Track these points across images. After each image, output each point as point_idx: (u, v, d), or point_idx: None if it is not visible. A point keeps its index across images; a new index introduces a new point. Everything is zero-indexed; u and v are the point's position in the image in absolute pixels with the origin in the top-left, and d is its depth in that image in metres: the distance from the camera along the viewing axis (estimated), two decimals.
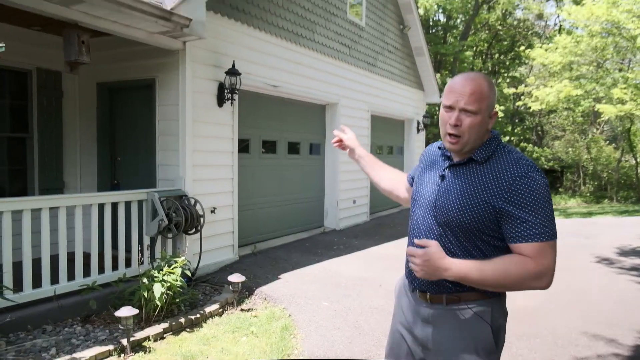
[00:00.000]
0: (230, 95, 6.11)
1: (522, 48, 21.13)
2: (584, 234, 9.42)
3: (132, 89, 6.14)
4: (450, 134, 1.76)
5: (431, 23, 23.95)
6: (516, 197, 1.63)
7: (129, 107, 6.25)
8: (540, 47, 16.23)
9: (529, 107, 17.87)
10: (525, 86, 18.54)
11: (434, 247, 1.70)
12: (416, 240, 1.80)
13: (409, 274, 1.91)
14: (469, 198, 1.71)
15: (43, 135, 6.10)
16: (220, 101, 6.09)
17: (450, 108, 1.75)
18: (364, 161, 2.42)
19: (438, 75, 17.53)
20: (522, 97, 19.31)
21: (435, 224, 1.80)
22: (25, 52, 5.69)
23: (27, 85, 5.98)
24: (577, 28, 16.76)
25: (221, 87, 6.07)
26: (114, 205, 4.98)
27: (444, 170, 1.85)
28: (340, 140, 2.46)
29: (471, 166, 1.77)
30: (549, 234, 1.63)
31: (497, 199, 1.66)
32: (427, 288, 1.83)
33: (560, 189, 23.56)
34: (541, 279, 1.63)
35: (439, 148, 1.96)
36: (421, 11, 18.84)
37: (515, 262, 1.64)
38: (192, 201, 5.52)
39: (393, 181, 2.34)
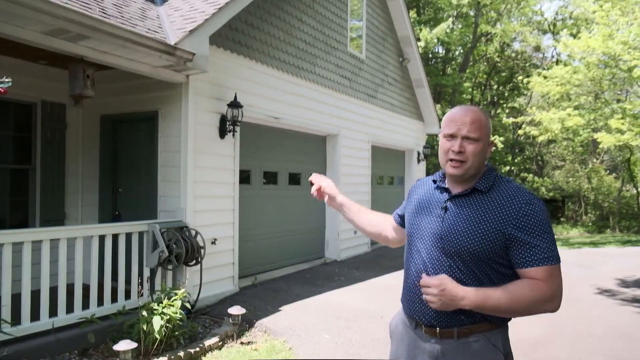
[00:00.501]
0: (232, 127, 6.18)
1: (520, 78, 21.42)
2: (587, 265, 9.35)
3: (135, 120, 6.21)
4: (453, 160, 1.82)
5: (430, 55, 24.34)
6: (524, 223, 1.70)
7: (131, 139, 6.31)
8: (539, 74, 16.46)
9: (531, 136, 18.00)
10: (526, 116, 18.71)
11: (446, 277, 1.74)
12: (424, 277, 1.80)
13: (414, 309, 1.88)
14: (480, 226, 1.75)
15: (46, 166, 6.15)
16: (222, 133, 6.15)
17: (452, 136, 1.83)
18: (346, 208, 2.35)
19: (438, 106, 17.71)
20: (523, 126, 19.48)
21: (443, 255, 1.81)
22: (31, 85, 5.79)
23: (32, 118, 6.07)
24: (574, 60, 17.01)
25: (223, 119, 6.14)
26: (115, 237, 4.98)
27: (445, 202, 1.87)
28: (319, 188, 2.35)
29: (475, 196, 1.82)
30: (556, 258, 1.71)
31: (507, 226, 1.71)
32: (437, 322, 1.80)
33: (562, 219, 23.51)
34: (553, 301, 1.70)
35: (434, 181, 1.99)
36: (422, 44, 19.16)
37: (528, 286, 1.69)
38: (193, 232, 5.52)
39: (379, 223, 2.32)
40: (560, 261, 1.73)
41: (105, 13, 4.77)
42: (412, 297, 1.89)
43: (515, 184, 1.84)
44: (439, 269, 1.80)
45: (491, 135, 1.89)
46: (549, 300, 1.70)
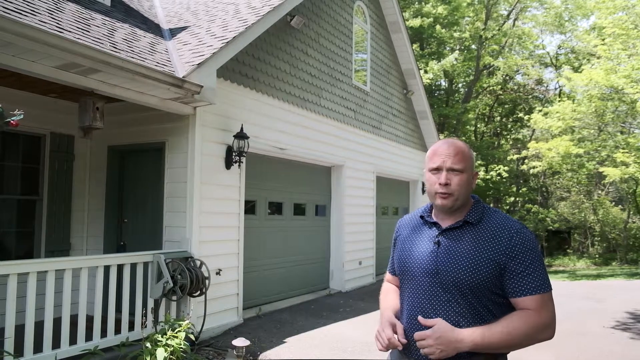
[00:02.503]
0: (238, 158, 6.24)
1: (521, 115, 21.60)
2: (595, 298, 9.22)
3: (143, 152, 6.29)
4: (440, 192, 1.84)
5: (433, 87, 24.64)
6: (516, 253, 1.74)
7: (138, 170, 6.38)
8: (540, 111, 16.59)
9: (532, 168, 18.05)
10: (527, 150, 18.80)
11: (440, 323, 1.73)
12: (420, 319, 1.79)
13: (410, 349, 1.85)
14: (475, 258, 1.77)
15: (53, 197, 6.20)
16: (228, 164, 6.20)
17: (437, 170, 1.87)
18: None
19: (442, 136, 17.82)
20: (526, 161, 19.55)
21: (440, 290, 1.80)
22: (41, 117, 5.89)
23: (41, 149, 6.15)
24: (577, 94, 17.19)
25: (229, 150, 6.21)
26: (120, 267, 4.98)
27: (437, 236, 1.88)
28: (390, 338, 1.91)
29: (466, 229, 1.84)
30: (547, 286, 1.74)
31: (500, 255, 1.75)
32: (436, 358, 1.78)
33: (568, 250, 23.28)
34: (547, 330, 1.72)
35: (422, 217, 2.00)
36: (429, 75, 19.44)
37: (522, 319, 1.70)
38: (198, 263, 5.51)
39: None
40: (551, 289, 1.76)
41: (115, 47, 4.89)
42: (409, 333, 1.85)
43: (504, 214, 1.88)
44: (437, 304, 1.79)
45: (474, 167, 1.93)
46: (544, 329, 1.72)
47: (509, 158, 22.32)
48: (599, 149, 15.53)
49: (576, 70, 16.47)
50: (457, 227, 1.85)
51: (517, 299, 1.73)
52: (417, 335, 1.75)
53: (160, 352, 4.16)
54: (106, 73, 4.44)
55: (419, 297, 1.85)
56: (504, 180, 22.26)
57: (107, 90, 4.72)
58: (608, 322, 7.13)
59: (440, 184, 1.84)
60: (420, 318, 1.80)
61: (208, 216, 5.91)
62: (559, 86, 25.37)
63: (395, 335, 1.84)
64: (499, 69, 23.77)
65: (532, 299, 1.71)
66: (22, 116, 3.35)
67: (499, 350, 1.74)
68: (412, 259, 1.91)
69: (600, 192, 23.05)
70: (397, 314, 2.01)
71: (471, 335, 1.70)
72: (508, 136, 26.47)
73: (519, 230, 1.78)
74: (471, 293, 1.75)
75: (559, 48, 26.34)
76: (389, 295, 2.14)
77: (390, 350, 2.02)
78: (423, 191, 12.96)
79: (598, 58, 14.94)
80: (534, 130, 24.18)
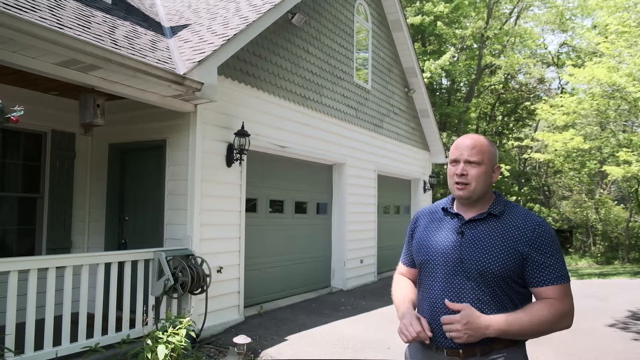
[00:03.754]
0: (239, 155, 6.23)
1: (528, 104, 21.54)
2: (597, 296, 9.19)
3: (143, 149, 6.28)
4: (458, 183, 1.91)
5: (435, 86, 24.60)
6: (539, 244, 1.81)
7: (139, 167, 6.37)
8: (545, 102, 16.58)
9: (537, 165, 18.03)
10: (530, 139, 18.77)
11: (468, 308, 1.78)
12: (447, 303, 1.83)
13: (434, 335, 1.87)
14: (500, 248, 1.83)
15: (54, 195, 6.20)
16: (229, 161, 6.20)
17: (455, 162, 1.95)
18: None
19: (443, 134, 17.80)
20: (528, 151, 19.56)
21: (464, 279, 1.85)
22: (41, 115, 5.89)
23: (42, 147, 6.15)
24: (578, 93, 17.16)
25: (230, 147, 6.20)
26: (121, 265, 4.98)
27: (460, 226, 1.93)
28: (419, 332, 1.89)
29: (490, 220, 1.91)
30: (567, 277, 1.83)
31: (523, 246, 1.81)
32: (459, 344, 1.82)
33: (570, 250, 23.23)
34: (567, 318, 1.81)
35: (443, 209, 2.05)
36: (427, 74, 19.40)
37: (546, 307, 1.77)
38: (199, 260, 5.50)
39: (411, 296, 2.12)
40: (570, 280, 1.84)
41: (116, 44, 4.89)
42: (432, 324, 1.88)
43: (524, 209, 1.97)
44: (461, 293, 1.85)
45: (496, 161, 1.98)
46: (565, 317, 1.80)
47: (509, 150, 22.27)
48: (602, 146, 15.49)
49: (579, 67, 16.38)
50: (481, 218, 1.92)
51: (539, 289, 1.81)
52: (445, 319, 1.80)
53: (161, 349, 4.15)
54: (107, 70, 4.43)
55: (441, 286, 1.90)
56: (506, 179, 22.21)
57: (107, 88, 4.72)
58: (610, 321, 7.10)
59: (457, 174, 1.92)
60: (447, 302, 1.84)
61: (209, 214, 5.90)
62: (561, 85, 25.34)
63: (422, 329, 1.83)
64: (501, 68, 23.70)
65: (554, 288, 1.79)
66: (22, 112, 3.34)
67: (522, 337, 1.81)
68: (434, 248, 1.96)
69: (602, 191, 22.98)
70: (414, 305, 2.05)
71: (498, 322, 1.75)
72: (510, 135, 26.41)
73: (541, 223, 1.85)
74: (495, 282, 1.81)
75: (560, 46, 26.29)
76: (404, 288, 2.16)
77: (407, 345, 2.06)
78: (424, 190, 12.95)
79: (600, 56, 14.90)
80: (536, 129, 24.15)
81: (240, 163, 6.34)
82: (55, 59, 4.16)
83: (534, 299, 1.88)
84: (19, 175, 6.02)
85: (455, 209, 2.01)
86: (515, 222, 1.87)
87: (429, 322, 1.89)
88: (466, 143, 1.94)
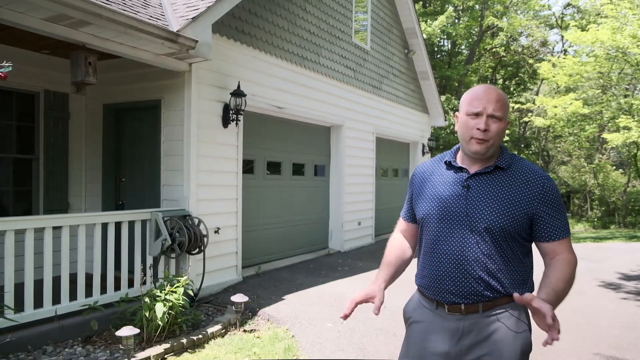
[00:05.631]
0: (235, 116, 6.15)
1: (531, 61, 21.24)
2: (592, 259, 9.28)
3: (138, 110, 6.20)
4: (478, 138, 1.82)
5: (436, 49, 24.19)
6: (547, 199, 1.80)
7: (135, 128, 6.30)
8: (548, 61, 16.37)
9: (537, 130, 17.95)
10: (530, 102, 18.62)
11: (541, 300, 1.61)
12: (516, 296, 1.61)
13: (437, 290, 1.86)
14: (508, 202, 1.79)
15: (49, 156, 6.15)
16: (225, 122, 6.12)
17: (477, 115, 1.83)
18: (391, 278, 2.09)
19: (443, 97, 17.61)
20: (528, 115, 19.43)
21: (469, 232, 1.82)
22: (33, 74, 5.78)
23: (35, 107, 6.06)
24: (581, 55, 16.87)
25: (226, 108, 6.11)
26: (118, 225, 4.97)
27: (466, 180, 1.87)
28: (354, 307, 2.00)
29: (497, 173, 1.86)
30: (569, 230, 1.85)
31: (532, 200, 1.79)
32: (461, 300, 1.82)
33: (567, 214, 23.35)
34: (576, 266, 1.81)
35: (447, 163, 1.98)
36: (424, 36, 19.04)
37: (564, 264, 1.78)
38: (196, 221, 5.51)
39: (403, 254, 2.12)
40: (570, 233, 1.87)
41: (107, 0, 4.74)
42: (435, 279, 1.88)
43: (530, 162, 1.92)
44: (465, 247, 1.81)
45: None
46: (576, 267, 1.80)
47: (511, 116, 22.10)
48: (602, 111, 15.36)
49: (583, 29, 16.07)
50: (488, 172, 1.86)
51: (547, 243, 1.81)
52: (550, 322, 1.56)
53: (159, 307, 4.19)
54: (97, 26, 4.31)
55: (445, 239, 1.86)
56: (506, 144, 22.13)
57: (99, 45, 4.60)
58: (603, 282, 7.19)
59: (479, 129, 1.81)
60: (516, 295, 1.61)
61: (206, 175, 5.87)
62: (564, 47, 24.93)
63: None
64: (503, 30, 23.25)
65: (561, 242, 1.80)
66: (10, 68, 3.25)
67: (562, 300, 1.75)
68: (437, 202, 1.91)
69: (601, 156, 22.95)
70: (403, 259, 2.09)
71: (551, 299, 1.65)
72: (510, 99, 26.17)
73: (548, 178, 1.83)
74: (501, 236, 1.78)
75: (565, 8, 25.74)
76: (394, 248, 2.14)
77: (407, 302, 2.07)
78: (423, 153, 12.90)
79: (605, 17, 14.58)
80: (537, 93, 23.90)
81: (236, 124, 6.26)
82: (44, 14, 4.03)
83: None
84: (13, 136, 5.95)
85: (459, 162, 1.93)
86: (523, 176, 1.83)
87: (429, 280, 1.90)
88: (491, 95, 1.82)
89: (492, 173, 1.86)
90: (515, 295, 1.61)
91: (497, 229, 1.78)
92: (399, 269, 2.10)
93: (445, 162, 1.98)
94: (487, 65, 25.76)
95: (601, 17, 15.18)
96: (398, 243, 2.16)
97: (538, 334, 1.75)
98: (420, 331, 1.91)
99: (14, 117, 5.94)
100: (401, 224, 2.20)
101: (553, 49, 26.78)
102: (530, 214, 1.79)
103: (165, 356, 4.12)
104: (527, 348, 1.82)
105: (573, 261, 1.80)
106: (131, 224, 5.10)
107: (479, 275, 1.79)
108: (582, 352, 4.29)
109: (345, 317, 1.93)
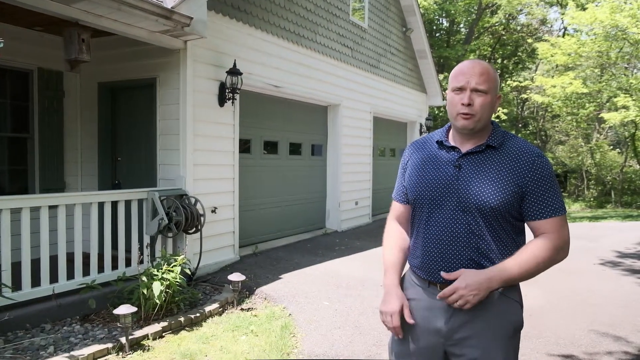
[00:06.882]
0: (231, 94, 6.10)
1: (530, 41, 21.06)
2: (588, 238, 9.34)
3: (134, 88, 6.13)
4: (462, 113, 1.80)
5: (434, 27, 23.94)
6: (537, 176, 1.76)
7: (130, 107, 6.24)
8: (547, 41, 16.26)
9: (535, 110, 17.89)
10: (528, 80, 18.56)
11: (465, 271, 1.75)
12: (444, 274, 1.79)
13: (429, 270, 1.86)
14: (499, 181, 1.77)
15: (44, 135, 6.10)
16: (222, 101, 6.07)
17: (460, 89, 1.80)
18: (401, 268, 2.06)
19: (441, 77, 17.50)
20: (528, 92, 19.39)
21: (460, 213, 1.80)
22: (27, 52, 5.70)
23: (29, 86, 5.98)
24: (581, 34, 16.74)
25: (222, 86, 6.06)
26: (114, 205, 4.97)
27: (457, 160, 1.85)
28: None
29: (489, 152, 1.83)
30: (564, 208, 1.80)
31: (522, 179, 1.76)
32: (453, 280, 1.79)
33: (563, 194, 23.47)
34: (564, 250, 1.78)
35: (438, 142, 1.94)
36: (421, 11, 18.84)
37: (542, 243, 1.75)
38: (193, 200, 5.50)
39: (403, 244, 2.08)
40: (566, 211, 1.81)
41: None
42: (427, 260, 1.87)
43: (522, 139, 1.87)
44: (457, 228, 1.80)
45: (498, 90, 1.86)
46: (562, 249, 1.77)
47: (510, 96, 22.03)
48: (601, 90, 15.31)
49: (582, 8, 15.91)
50: (479, 151, 1.84)
51: (538, 222, 1.78)
52: (446, 291, 1.74)
53: (157, 286, 4.21)
54: (90, 2, 4.22)
55: (436, 220, 1.85)
56: (503, 123, 22.07)
57: (92, 21, 4.52)
58: (599, 260, 7.25)
59: (462, 104, 1.78)
60: (443, 273, 1.79)
61: (202, 154, 5.84)
62: (563, 26, 24.71)
63: (397, 327, 1.88)
64: (501, 8, 23.00)
65: (552, 220, 1.76)
66: (1, 44, 3.21)
67: (527, 278, 1.76)
68: (429, 183, 1.88)
69: (598, 135, 22.94)
70: (407, 254, 2.02)
71: (499, 271, 1.72)
72: (509, 78, 26.03)
73: (540, 154, 1.80)
74: (492, 216, 1.77)
75: None
76: (394, 244, 2.07)
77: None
78: (421, 132, 12.87)
79: None
80: (536, 71, 23.76)
81: (233, 102, 6.21)
82: None
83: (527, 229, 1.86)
84: (7, 114, 5.89)
85: (451, 142, 1.91)
86: (514, 154, 1.80)
87: (422, 261, 1.88)
88: (474, 69, 1.79)
89: (484, 152, 1.83)
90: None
91: (488, 208, 1.76)
92: (405, 266, 2.08)
93: (437, 141, 1.95)
94: (486, 44, 25.53)
95: None
96: (398, 240, 2.09)
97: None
98: (413, 308, 1.91)
99: (8, 95, 5.87)
100: (395, 208, 2.14)
101: (552, 27, 26.56)
102: (519, 192, 1.76)
103: (163, 334, 4.15)
104: (518, 325, 1.83)
105: (557, 243, 1.75)
106: (128, 203, 5.08)
107: (470, 256, 1.79)
108: (577, 329, 4.34)
109: (400, 331, 1.90)
